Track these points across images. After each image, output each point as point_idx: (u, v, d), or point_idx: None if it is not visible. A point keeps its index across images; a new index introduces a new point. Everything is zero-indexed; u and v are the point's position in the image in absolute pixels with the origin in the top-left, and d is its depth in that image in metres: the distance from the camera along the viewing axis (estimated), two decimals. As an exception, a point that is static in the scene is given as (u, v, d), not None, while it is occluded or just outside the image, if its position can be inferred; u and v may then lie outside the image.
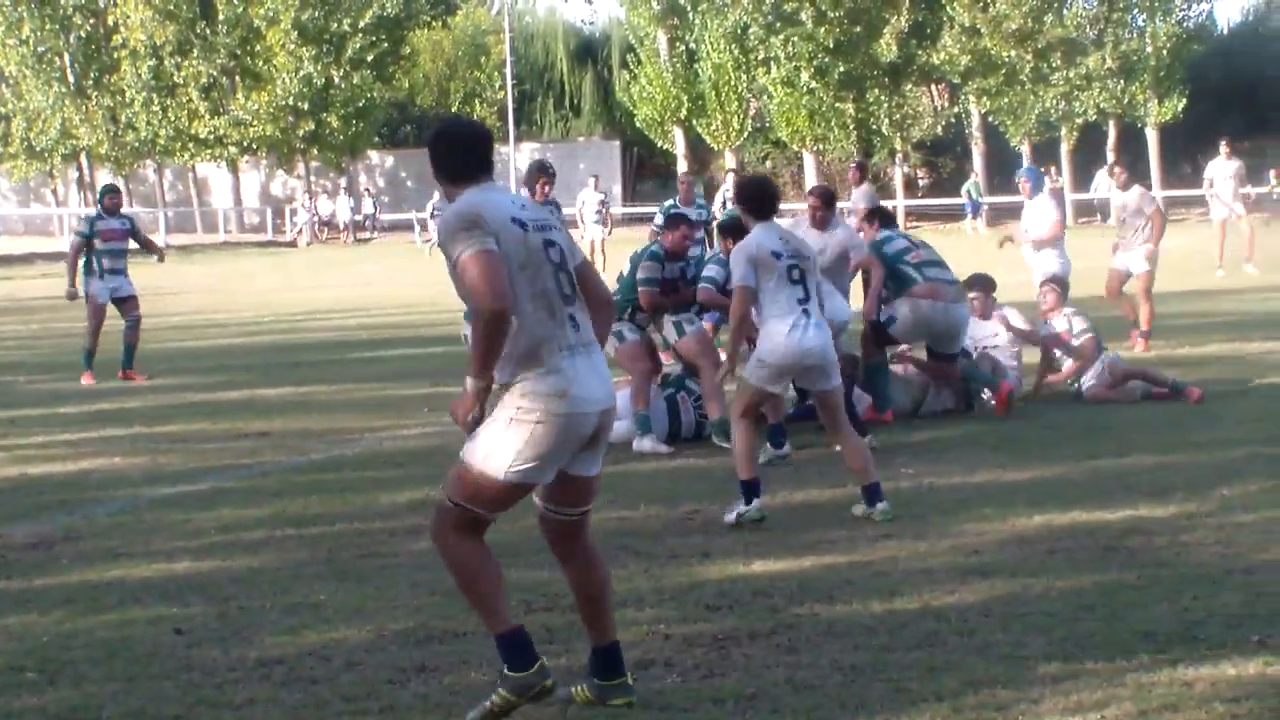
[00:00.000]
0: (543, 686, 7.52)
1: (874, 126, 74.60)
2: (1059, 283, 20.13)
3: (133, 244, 23.95)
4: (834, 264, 16.71)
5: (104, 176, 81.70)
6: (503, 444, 7.50)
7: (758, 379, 12.29)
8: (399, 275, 52.29)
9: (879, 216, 18.95)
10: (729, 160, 77.44)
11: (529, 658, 7.56)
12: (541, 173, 19.30)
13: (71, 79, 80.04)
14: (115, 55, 79.84)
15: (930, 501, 13.00)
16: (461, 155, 8.02)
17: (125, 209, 24.68)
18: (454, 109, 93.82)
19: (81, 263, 23.20)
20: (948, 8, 72.39)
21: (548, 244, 7.84)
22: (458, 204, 7.72)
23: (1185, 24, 76.18)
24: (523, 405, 7.52)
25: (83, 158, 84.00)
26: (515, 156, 78.29)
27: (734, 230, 15.01)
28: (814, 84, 73.17)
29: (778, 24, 72.64)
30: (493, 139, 8.44)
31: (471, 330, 7.72)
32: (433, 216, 70.89)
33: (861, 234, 18.26)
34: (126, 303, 23.39)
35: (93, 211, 24.91)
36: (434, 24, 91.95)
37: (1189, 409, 17.59)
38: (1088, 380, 18.66)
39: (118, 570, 11.26)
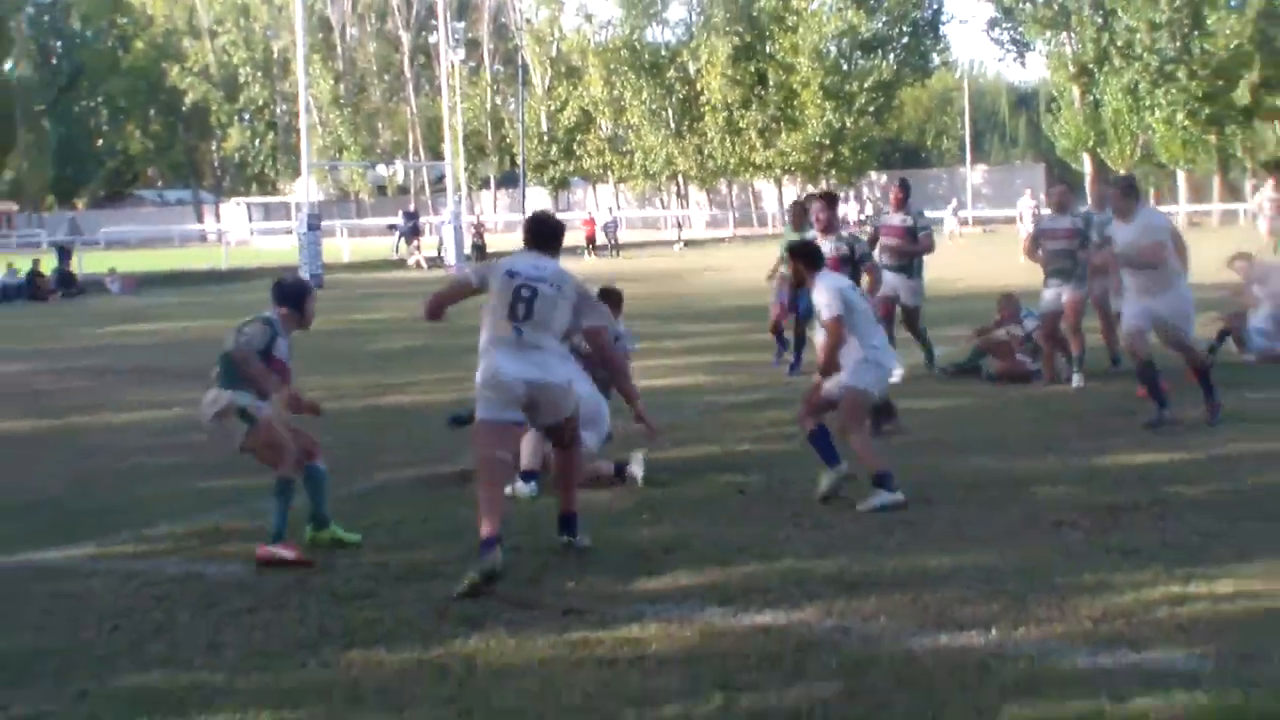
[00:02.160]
0: None
1: (1230, 151, 71.25)
2: None
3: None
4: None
5: (693, 190, 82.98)
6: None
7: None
8: None
9: None
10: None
11: None
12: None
13: (672, 125, 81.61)
14: (701, 108, 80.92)
15: None
16: (528, 232, 8.38)
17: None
18: None
19: None
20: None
21: (520, 287, 7.84)
22: None
23: None
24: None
25: (679, 178, 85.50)
26: None
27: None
28: (1187, 122, 69.96)
29: (1161, 80, 69.75)
30: (546, 226, 8.43)
31: None
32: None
33: None
34: None
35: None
36: None
37: None
38: None
39: (703, 450, 11.55)
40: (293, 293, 9.02)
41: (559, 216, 10.16)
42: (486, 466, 7.82)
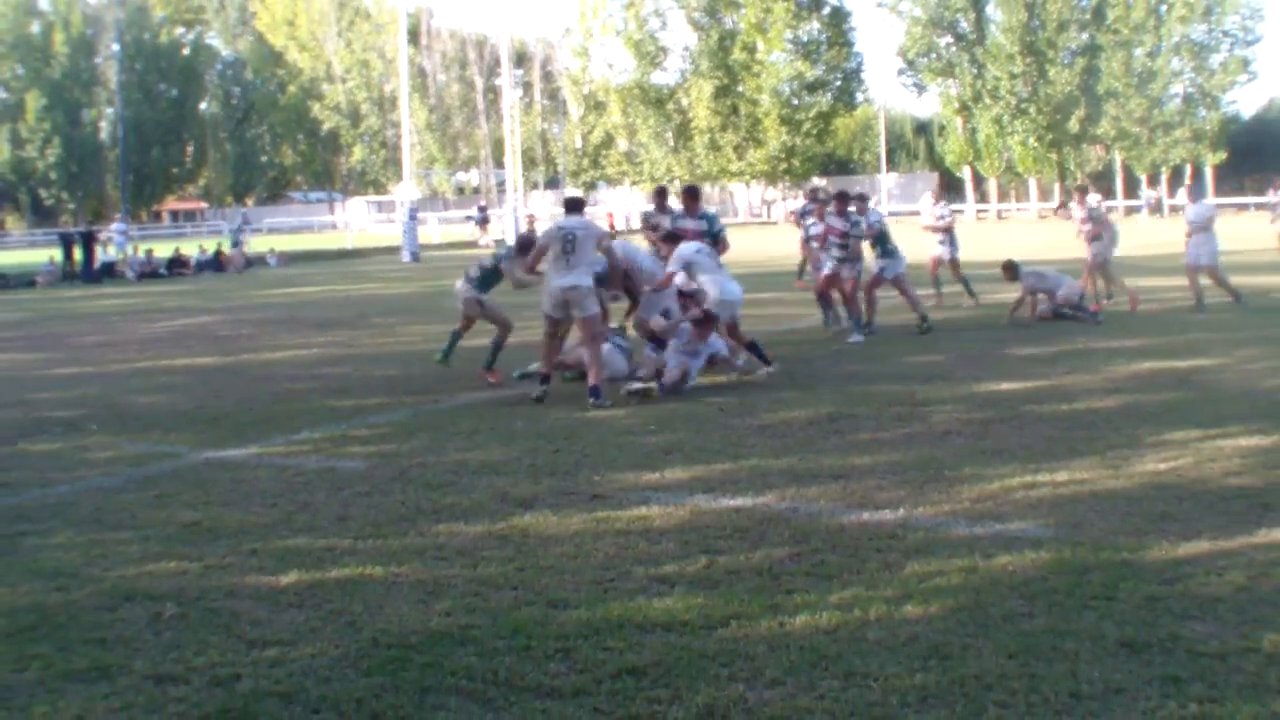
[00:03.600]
0: None
1: (1066, 166, 70.87)
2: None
3: None
4: None
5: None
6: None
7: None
8: None
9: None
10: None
11: None
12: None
13: (671, 143, 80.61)
14: (691, 131, 79.78)
15: None
16: (564, 206, 10.44)
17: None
18: None
19: None
20: (1104, 105, 67.62)
21: (566, 235, 9.93)
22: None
23: (1227, 112, 69.43)
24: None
25: (676, 182, 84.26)
26: None
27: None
28: (1036, 144, 69.73)
29: (1017, 114, 69.45)
30: (579, 201, 10.46)
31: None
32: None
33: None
34: None
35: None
36: None
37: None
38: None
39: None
40: (526, 243, 11.26)
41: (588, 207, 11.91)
42: (546, 337, 10.37)
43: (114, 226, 44.43)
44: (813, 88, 76.88)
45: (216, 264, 38.17)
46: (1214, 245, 15.83)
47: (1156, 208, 62.62)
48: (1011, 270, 15.50)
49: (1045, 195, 72.81)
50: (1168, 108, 67.88)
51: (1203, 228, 15.66)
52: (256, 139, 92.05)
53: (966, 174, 75.39)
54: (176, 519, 6.69)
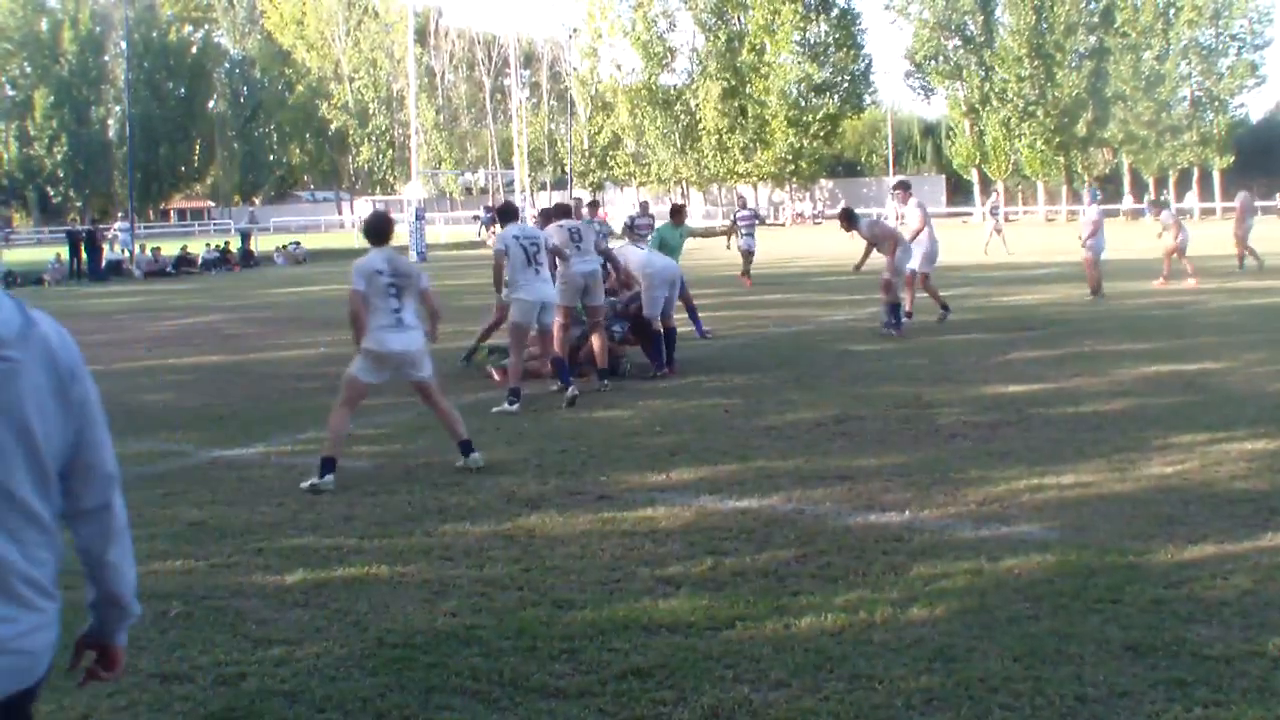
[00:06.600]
0: None
1: (1073, 169, 70.81)
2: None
3: None
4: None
5: (693, 192, 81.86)
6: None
7: (359, 369, 7.66)
8: None
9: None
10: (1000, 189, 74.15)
11: None
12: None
13: (678, 144, 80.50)
14: (699, 132, 79.79)
15: None
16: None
17: None
18: None
19: None
20: (1112, 108, 67.58)
21: (527, 242, 9.95)
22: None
23: (1235, 115, 69.21)
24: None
25: (683, 183, 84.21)
26: None
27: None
28: (1043, 147, 69.70)
29: (1025, 117, 69.44)
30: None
31: None
32: None
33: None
34: None
35: None
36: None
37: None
38: None
39: (696, 379, 11.40)
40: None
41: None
42: (553, 340, 10.68)
43: (117, 225, 44.60)
44: (820, 90, 76.77)
45: (223, 261, 38.30)
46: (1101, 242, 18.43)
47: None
48: (848, 218, 14.78)
49: (1052, 199, 72.78)
50: (1175, 111, 67.78)
51: (1100, 226, 18.37)
52: (264, 138, 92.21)
53: (974, 177, 75.33)
54: (182, 517, 6.70)
